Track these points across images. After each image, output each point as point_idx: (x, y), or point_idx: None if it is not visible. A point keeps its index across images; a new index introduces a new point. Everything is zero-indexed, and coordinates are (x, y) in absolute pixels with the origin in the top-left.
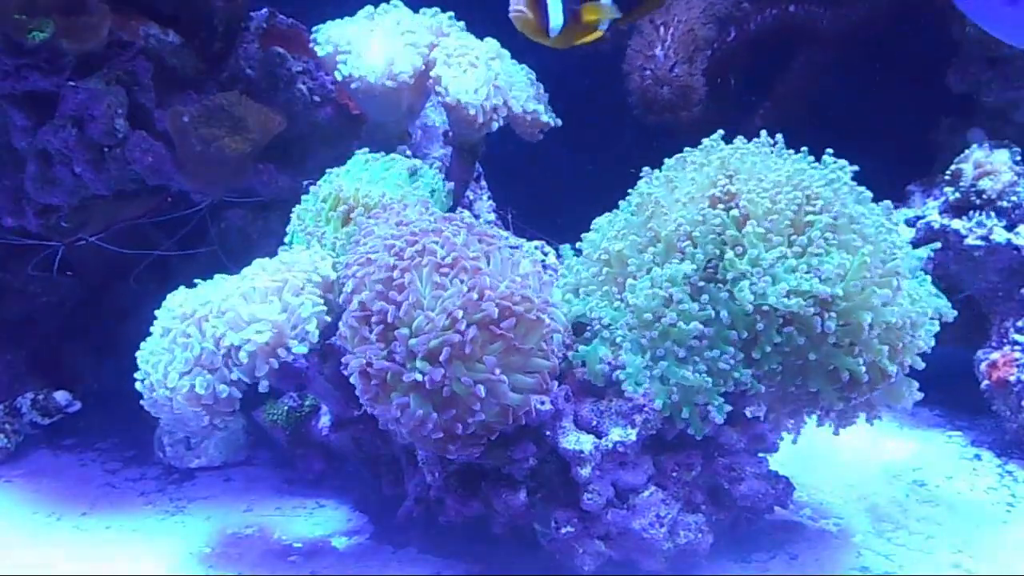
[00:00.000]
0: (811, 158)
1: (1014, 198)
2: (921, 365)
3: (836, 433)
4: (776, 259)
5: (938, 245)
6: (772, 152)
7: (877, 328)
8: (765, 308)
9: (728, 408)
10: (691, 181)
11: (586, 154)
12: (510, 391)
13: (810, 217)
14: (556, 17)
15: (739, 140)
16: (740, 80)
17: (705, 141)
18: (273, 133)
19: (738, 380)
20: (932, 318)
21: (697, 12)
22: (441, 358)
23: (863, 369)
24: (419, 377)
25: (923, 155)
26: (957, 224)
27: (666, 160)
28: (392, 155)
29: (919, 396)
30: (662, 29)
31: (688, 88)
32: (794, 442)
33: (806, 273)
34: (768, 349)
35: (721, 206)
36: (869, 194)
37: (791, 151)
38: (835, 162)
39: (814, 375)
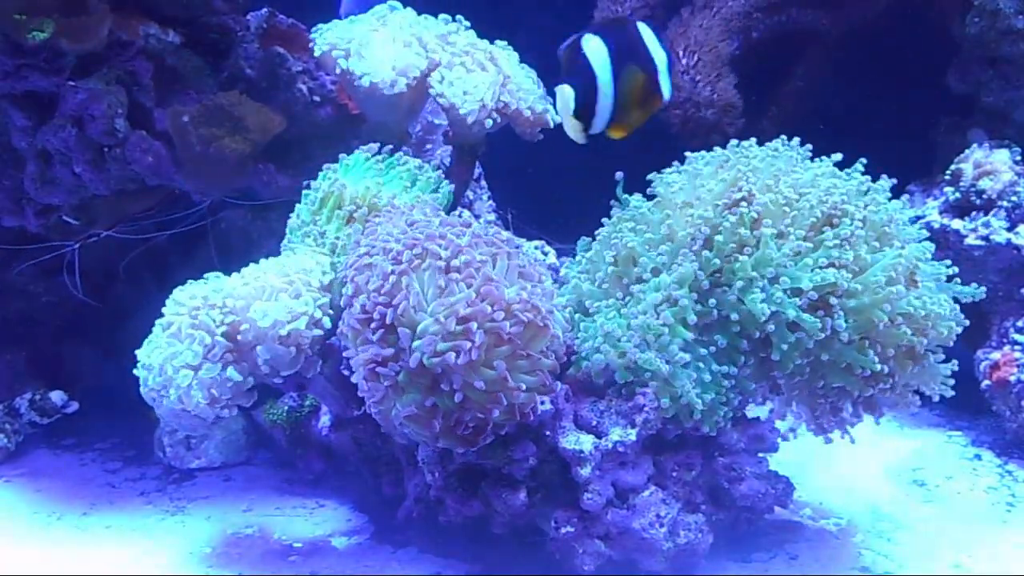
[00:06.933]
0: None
1: (1014, 198)
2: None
3: (877, 422)
4: (790, 258)
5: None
6: (782, 154)
7: (900, 319)
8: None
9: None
10: (710, 181)
11: (587, 154)
12: (521, 392)
13: (801, 198)
14: (600, 123)
15: (748, 142)
16: (744, 86)
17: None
18: (273, 133)
19: (743, 391)
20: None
21: (716, 31)
22: (451, 362)
23: (878, 364)
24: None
25: (923, 155)
26: (957, 224)
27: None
28: (400, 155)
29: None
30: (682, 54)
31: (729, 106)
32: (828, 441)
33: (822, 268)
34: (785, 347)
35: (738, 207)
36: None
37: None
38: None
39: (832, 373)
